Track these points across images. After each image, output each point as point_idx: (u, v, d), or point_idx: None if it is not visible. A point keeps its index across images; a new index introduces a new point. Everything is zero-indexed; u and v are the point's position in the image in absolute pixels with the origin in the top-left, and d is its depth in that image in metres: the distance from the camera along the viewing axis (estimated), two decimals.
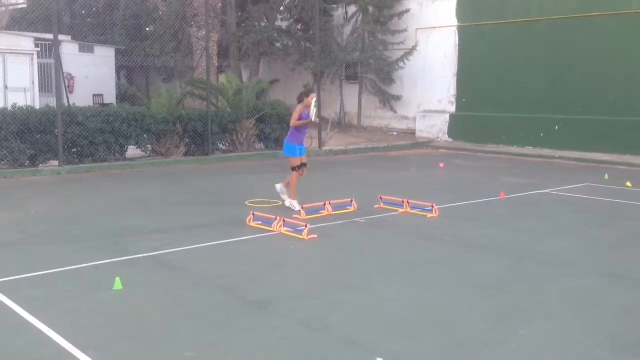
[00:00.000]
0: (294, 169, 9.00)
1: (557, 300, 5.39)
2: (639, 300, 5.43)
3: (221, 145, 15.52)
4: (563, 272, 6.19)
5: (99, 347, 4.33)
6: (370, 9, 20.98)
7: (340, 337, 4.55)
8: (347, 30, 22.04)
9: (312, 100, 8.93)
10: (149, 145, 14.06)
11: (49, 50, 19.77)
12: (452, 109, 19.72)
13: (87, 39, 24.56)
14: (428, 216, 8.58)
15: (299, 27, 23.75)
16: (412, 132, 20.63)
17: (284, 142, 9.23)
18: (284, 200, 9.11)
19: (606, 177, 12.50)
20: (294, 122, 8.89)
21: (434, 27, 20.00)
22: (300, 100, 9.01)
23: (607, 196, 10.49)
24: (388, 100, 21.33)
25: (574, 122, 16.67)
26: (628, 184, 11.50)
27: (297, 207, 8.72)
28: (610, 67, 16.11)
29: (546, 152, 16.53)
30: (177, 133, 14.23)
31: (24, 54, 17.91)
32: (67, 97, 13.56)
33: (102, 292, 5.42)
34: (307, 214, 8.37)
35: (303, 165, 9.07)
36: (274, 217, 7.76)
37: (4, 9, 20.78)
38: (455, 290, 5.62)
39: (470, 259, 6.67)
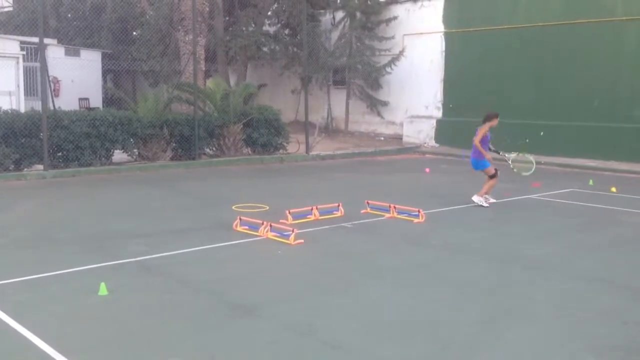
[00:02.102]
0: (492, 176, 9.97)
1: (541, 304, 5.43)
2: (622, 304, 5.49)
3: (208, 150, 15.48)
4: (548, 276, 6.24)
5: (82, 352, 4.29)
6: (358, 14, 21.07)
7: (325, 341, 4.55)
8: (335, 35, 22.11)
9: (496, 122, 10.07)
10: (135, 150, 13.99)
11: (35, 54, 19.63)
12: (439, 114, 19.82)
13: (73, 42, 24.42)
14: (414, 221, 8.61)
15: (286, 31, 23.79)
16: (399, 137, 20.71)
17: (472, 160, 10.20)
18: (486, 206, 9.85)
19: (591, 182, 12.61)
20: (477, 141, 9.93)
21: (421, 33, 20.12)
22: (486, 120, 10.06)
23: (592, 201, 10.59)
24: (375, 106, 21.41)
25: (559, 128, 16.83)
26: (613, 189, 11.61)
27: (486, 204, 9.81)
28: (595, 73, 16.29)
29: (531, 157, 16.61)
30: (164, 137, 14.18)
31: (9, 57, 17.76)
32: (53, 101, 13.47)
33: (87, 297, 5.38)
34: (294, 218, 8.36)
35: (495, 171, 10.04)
36: (261, 221, 7.75)
37: None
38: (441, 295, 5.64)
39: (456, 263, 6.70)
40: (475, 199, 9.93)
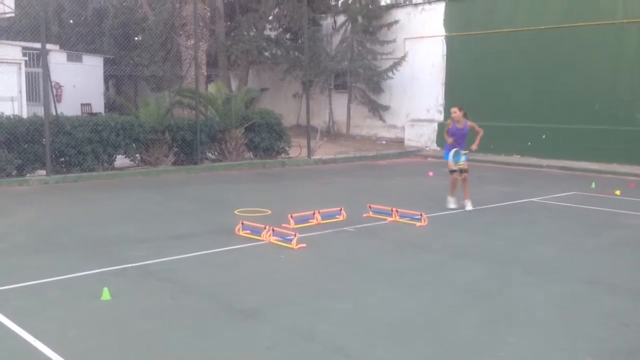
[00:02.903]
0: (450, 172, 9.97)
1: (542, 307, 5.43)
2: (622, 307, 5.48)
3: (210, 155, 15.51)
4: (548, 279, 6.24)
5: (85, 357, 4.31)
6: (359, 18, 21.11)
7: (327, 344, 4.56)
8: (336, 39, 22.17)
9: (453, 114, 10.03)
10: (137, 155, 14.03)
11: (37, 59, 19.69)
12: (440, 117, 19.84)
13: (75, 48, 24.49)
14: (417, 225, 8.62)
15: (287, 36, 23.84)
16: (400, 141, 20.73)
17: None
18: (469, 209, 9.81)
19: (593, 185, 12.61)
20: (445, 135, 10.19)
21: (422, 37, 20.16)
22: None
23: (594, 204, 10.59)
24: (377, 109, 21.43)
25: (561, 131, 16.84)
26: (617, 192, 11.57)
27: (451, 205, 9.81)
28: (596, 76, 16.31)
29: (533, 160, 16.66)
30: (166, 142, 14.22)
31: (11, 62, 17.83)
32: (55, 107, 13.51)
33: (89, 302, 5.40)
34: (296, 223, 8.37)
35: (461, 171, 9.86)
36: (263, 226, 7.77)
37: None
38: (443, 298, 5.65)
39: (458, 266, 6.71)
40: (469, 206, 9.79)
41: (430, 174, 14.38)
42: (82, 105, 22.27)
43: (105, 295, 5.45)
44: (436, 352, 4.48)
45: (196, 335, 4.73)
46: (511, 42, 17.84)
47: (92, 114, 18.71)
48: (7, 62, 17.70)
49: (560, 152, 16.49)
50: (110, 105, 22.22)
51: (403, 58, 20.32)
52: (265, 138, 15.84)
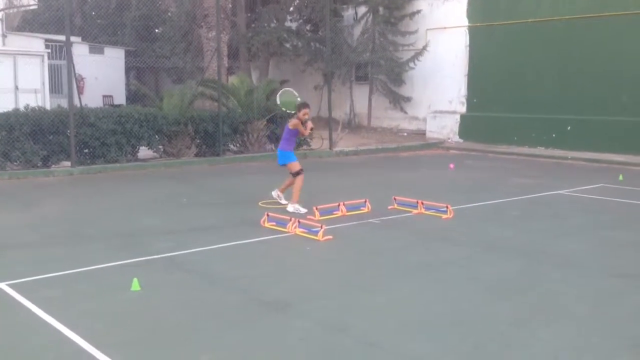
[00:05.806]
0: (297, 173, 9.01)
1: (573, 302, 5.34)
2: None
3: (232, 146, 15.52)
4: (578, 274, 6.14)
5: (116, 347, 4.32)
6: (381, 9, 20.95)
7: (358, 338, 4.52)
8: (357, 30, 22.02)
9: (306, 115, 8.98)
10: (160, 146, 14.08)
11: (59, 52, 19.85)
12: (463, 109, 19.65)
13: (97, 40, 24.65)
14: (443, 217, 8.53)
15: (308, 27, 23.74)
16: (422, 133, 20.57)
17: (278, 152, 9.25)
18: (286, 205, 9.03)
19: (620, 177, 12.40)
20: (291, 125, 9.01)
21: (445, 28, 19.94)
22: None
23: (622, 197, 10.40)
24: (398, 101, 21.28)
25: (587, 123, 16.57)
26: None
27: (303, 210, 8.72)
28: (623, 67, 16.00)
29: (558, 152, 16.43)
30: (188, 134, 14.25)
31: (34, 55, 18.00)
32: (80, 98, 13.60)
33: (119, 293, 5.41)
34: (321, 214, 8.34)
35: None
36: (289, 218, 7.74)
37: (15, 10, 20.90)
38: (473, 292, 5.58)
39: (486, 260, 6.62)
40: (290, 208, 8.77)
41: (451, 166, 14.24)
42: (104, 97, 22.44)
43: (135, 286, 5.46)
44: (468, 346, 4.41)
45: (227, 327, 4.72)
46: (536, 33, 17.56)
47: (113, 106, 18.82)
48: (30, 55, 17.87)
49: (585, 144, 16.24)
50: (132, 97, 22.35)
51: (424, 48, 20.11)
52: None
